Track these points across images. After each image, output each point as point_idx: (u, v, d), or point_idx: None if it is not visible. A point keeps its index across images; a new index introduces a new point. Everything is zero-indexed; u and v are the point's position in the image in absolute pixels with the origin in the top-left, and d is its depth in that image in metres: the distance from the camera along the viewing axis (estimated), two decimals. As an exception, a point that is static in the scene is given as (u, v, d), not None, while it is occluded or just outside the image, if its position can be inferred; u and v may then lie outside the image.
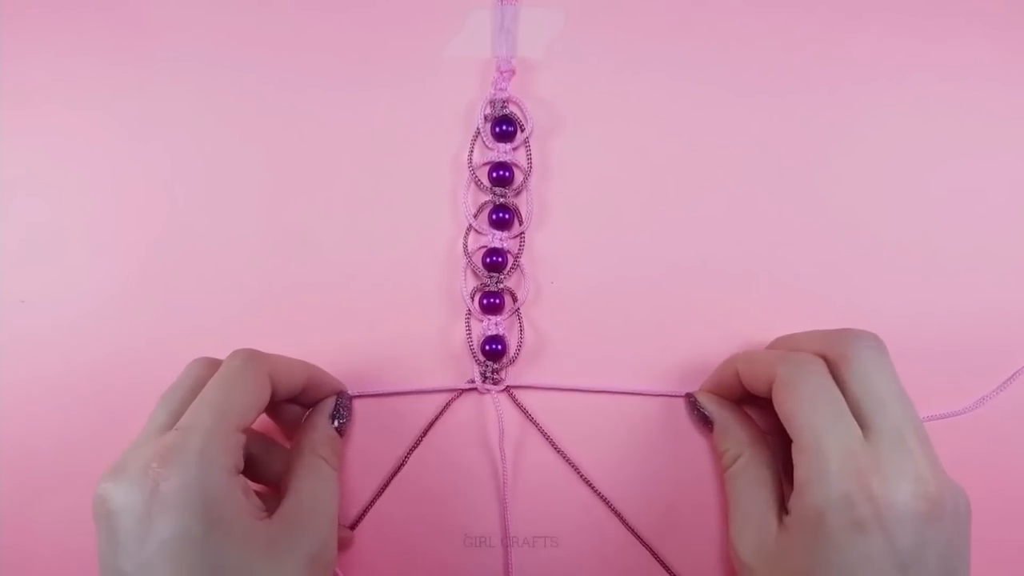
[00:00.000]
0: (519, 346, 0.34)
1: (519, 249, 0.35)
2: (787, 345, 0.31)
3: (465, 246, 0.35)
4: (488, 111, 0.35)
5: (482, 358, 0.34)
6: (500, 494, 0.33)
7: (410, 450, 0.34)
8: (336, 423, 0.32)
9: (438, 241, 0.35)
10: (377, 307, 0.35)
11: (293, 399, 0.32)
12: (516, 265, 0.35)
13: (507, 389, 0.34)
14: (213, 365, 0.29)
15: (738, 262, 0.35)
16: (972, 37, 0.36)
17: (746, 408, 0.33)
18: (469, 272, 0.35)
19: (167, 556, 0.24)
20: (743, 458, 0.30)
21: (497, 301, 0.34)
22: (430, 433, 0.34)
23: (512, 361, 0.34)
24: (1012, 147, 0.35)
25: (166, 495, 0.24)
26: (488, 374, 0.34)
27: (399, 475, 0.34)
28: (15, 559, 0.33)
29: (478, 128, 0.35)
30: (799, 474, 0.26)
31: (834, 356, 0.28)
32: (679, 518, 0.33)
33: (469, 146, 0.35)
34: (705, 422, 0.32)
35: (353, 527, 0.34)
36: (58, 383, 0.34)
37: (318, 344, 0.34)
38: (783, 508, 0.28)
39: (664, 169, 0.35)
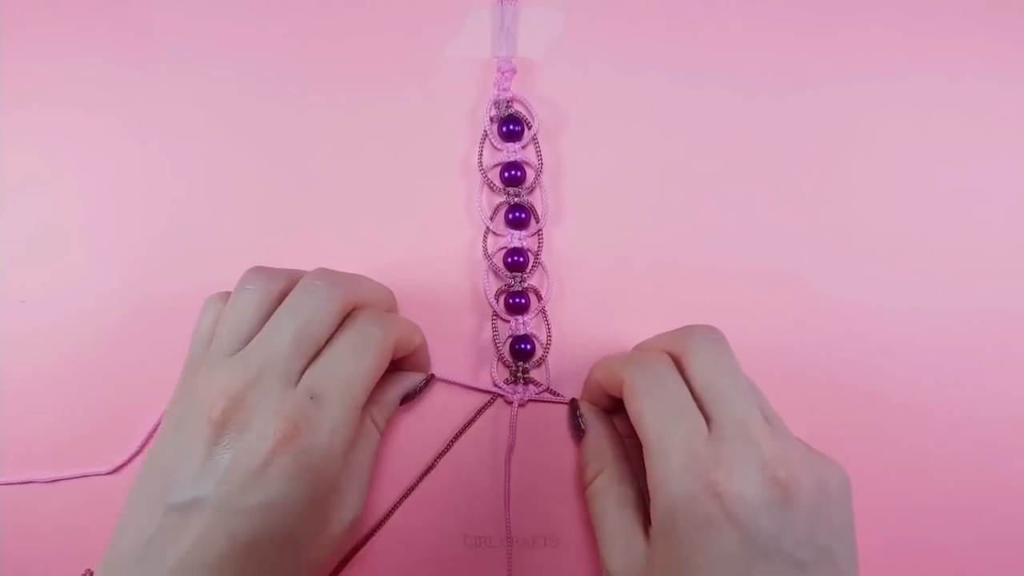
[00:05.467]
0: (548, 344, 0.34)
1: (539, 247, 0.35)
2: (639, 349, 0.30)
3: (485, 248, 0.34)
4: (493, 112, 0.35)
5: (510, 359, 0.34)
6: (502, 493, 0.33)
7: (439, 455, 0.33)
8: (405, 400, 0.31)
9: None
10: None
11: None
12: (537, 263, 0.34)
13: (548, 388, 0.34)
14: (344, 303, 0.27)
15: (738, 261, 0.35)
16: (972, 37, 0.36)
17: (618, 420, 0.32)
18: (490, 274, 0.34)
19: (260, 513, 0.23)
20: (604, 475, 0.29)
21: (523, 301, 0.34)
22: (429, 433, 0.34)
23: (542, 359, 0.34)
24: (1013, 147, 0.36)
25: (288, 460, 0.24)
26: (519, 374, 0.33)
27: (399, 475, 0.33)
28: (15, 559, 0.33)
29: (485, 129, 0.35)
30: (650, 479, 0.25)
31: (676, 354, 0.27)
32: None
33: (478, 148, 0.35)
34: (579, 431, 0.32)
35: (371, 535, 0.33)
36: (58, 382, 0.34)
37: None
38: (648, 522, 0.27)
39: (664, 168, 0.35)
